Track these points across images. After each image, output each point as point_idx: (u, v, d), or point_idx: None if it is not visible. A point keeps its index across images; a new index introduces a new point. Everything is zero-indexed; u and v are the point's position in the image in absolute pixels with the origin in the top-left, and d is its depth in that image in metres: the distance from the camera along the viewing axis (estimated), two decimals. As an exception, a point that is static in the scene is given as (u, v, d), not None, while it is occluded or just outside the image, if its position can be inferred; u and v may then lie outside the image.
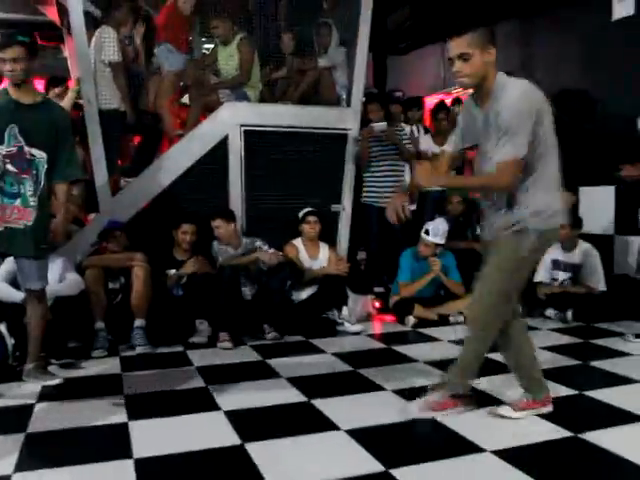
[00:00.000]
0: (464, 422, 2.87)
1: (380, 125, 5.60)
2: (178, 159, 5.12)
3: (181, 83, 5.54)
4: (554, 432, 2.77)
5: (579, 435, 2.73)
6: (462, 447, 2.61)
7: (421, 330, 4.94)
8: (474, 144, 3.03)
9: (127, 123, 5.12)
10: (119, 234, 4.60)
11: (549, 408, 3.00)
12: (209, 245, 4.95)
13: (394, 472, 2.36)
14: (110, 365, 3.98)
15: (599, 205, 5.86)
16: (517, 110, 2.66)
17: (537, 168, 2.77)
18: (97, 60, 4.94)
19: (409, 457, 2.50)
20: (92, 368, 3.91)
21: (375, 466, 2.42)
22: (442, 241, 5.22)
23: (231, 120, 5.23)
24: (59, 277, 4.09)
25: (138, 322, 4.34)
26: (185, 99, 5.72)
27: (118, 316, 4.41)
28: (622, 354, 4.10)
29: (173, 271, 4.66)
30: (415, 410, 2.98)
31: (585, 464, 2.51)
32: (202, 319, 4.58)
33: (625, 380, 3.54)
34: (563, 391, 3.35)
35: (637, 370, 3.70)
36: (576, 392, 3.34)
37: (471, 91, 2.94)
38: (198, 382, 3.60)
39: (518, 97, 2.68)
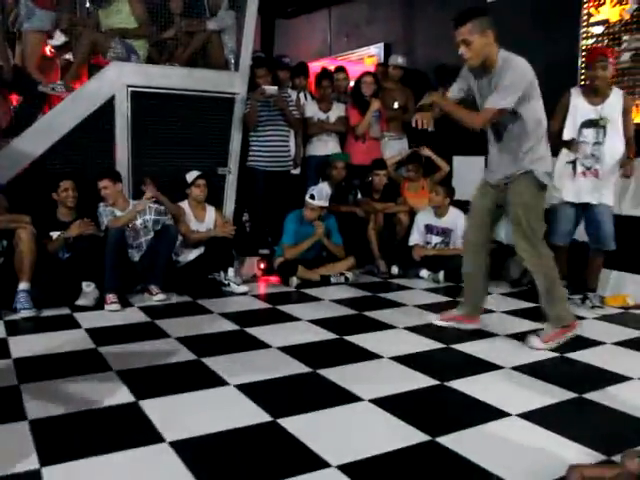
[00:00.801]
0: (346, 375, 3.14)
1: (271, 88, 5.69)
2: (62, 119, 5.00)
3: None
4: (424, 380, 3.10)
5: (445, 383, 3.07)
6: (343, 397, 2.87)
7: (304, 290, 5.18)
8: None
9: (4, 79, 4.93)
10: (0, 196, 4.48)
11: (478, 325, 3.99)
12: (94, 207, 4.92)
13: (280, 421, 2.58)
14: (-7, 329, 3.93)
15: (470, 174, 6.28)
16: (513, 72, 3.37)
17: (537, 131, 3.53)
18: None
19: (294, 408, 2.73)
20: (-26, 332, 3.84)
21: (264, 417, 2.63)
22: (326, 203, 5.46)
23: (118, 80, 5.15)
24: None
25: (22, 285, 4.25)
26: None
27: (1, 279, 4.32)
28: (485, 311, 4.52)
29: (57, 233, 4.62)
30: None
31: (449, 408, 2.85)
32: (89, 281, 4.58)
33: (485, 334, 3.96)
34: (432, 345, 3.71)
35: (497, 325, 4.14)
36: (444, 345, 3.71)
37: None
38: (87, 344, 3.64)
39: (517, 64, 3.40)
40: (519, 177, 3.58)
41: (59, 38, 5.50)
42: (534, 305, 4.69)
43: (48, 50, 5.59)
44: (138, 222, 4.90)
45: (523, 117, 3.49)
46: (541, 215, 3.65)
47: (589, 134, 4.54)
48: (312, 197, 5.39)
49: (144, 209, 4.89)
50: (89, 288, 4.55)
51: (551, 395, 2.93)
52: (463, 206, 5.95)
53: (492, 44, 3.45)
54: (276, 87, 5.78)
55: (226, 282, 5.11)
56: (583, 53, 5.23)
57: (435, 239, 5.76)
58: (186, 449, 2.33)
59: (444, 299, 4.91)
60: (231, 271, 5.15)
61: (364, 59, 7.92)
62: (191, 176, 5.24)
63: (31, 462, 2.23)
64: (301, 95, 6.46)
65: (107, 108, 5.15)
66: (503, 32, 5.81)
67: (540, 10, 5.52)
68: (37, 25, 5.13)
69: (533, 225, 3.57)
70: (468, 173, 6.32)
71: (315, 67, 7.25)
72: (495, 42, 3.46)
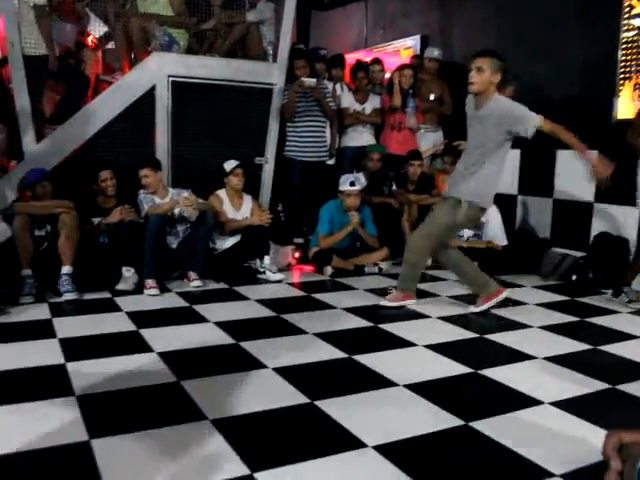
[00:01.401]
0: (380, 361, 3.21)
1: (310, 80, 5.78)
2: (104, 108, 5.14)
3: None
4: (458, 368, 3.14)
5: (478, 371, 3.12)
6: (378, 382, 2.94)
7: (338, 279, 5.25)
8: None
9: (50, 69, 5.07)
10: (45, 183, 4.62)
11: (505, 293, 4.30)
12: (135, 194, 5.04)
13: (318, 403, 2.66)
14: (38, 311, 4.06)
15: (506, 166, 6.27)
16: (512, 107, 3.94)
17: (482, 163, 4.05)
18: (21, 1, 4.85)
19: (331, 391, 2.80)
20: (21, 314, 3.98)
21: (301, 399, 2.71)
22: (360, 185, 5.54)
23: (159, 70, 5.27)
24: (-16, 224, 4.11)
25: (65, 269, 4.39)
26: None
27: (45, 263, 4.46)
28: (519, 303, 4.55)
29: (99, 219, 4.75)
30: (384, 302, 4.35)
31: (482, 394, 2.89)
32: (129, 267, 4.70)
33: (518, 325, 3.99)
34: (467, 334, 3.75)
35: (527, 316, 4.16)
36: (477, 335, 3.75)
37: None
38: (129, 326, 3.77)
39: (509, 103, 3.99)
40: None
41: (101, 29, 5.63)
42: (566, 298, 4.72)
43: (90, 40, 5.72)
44: (176, 210, 5.01)
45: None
46: None
47: None
48: (352, 184, 5.43)
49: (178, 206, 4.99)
50: (129, 273, 4.68)
51: (584, 385, 2.96)
52: (497, 199, 5.96)
53: (494, 85, 3.96)
54: (315, 79, 5.85)
55: (262, 270, 5.20)
56: (624, 46, 5.19)
57: (467, 232, 5.78)
58: (228, 427, 2.42)
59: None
60: (267, 259, 5.23)
61: (400, 51, 7.93)
62: (229, 165, 5.33)
63: (81, 435, 2.34)
64: (337, 86, 6.52)
65: (148, 98, 5.28)
66: (541, 25, 5.86)
67: (581, 1, 5.48)
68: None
69: None
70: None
71: (351, 59, 7.30)
72: (496, 88, 3.98)
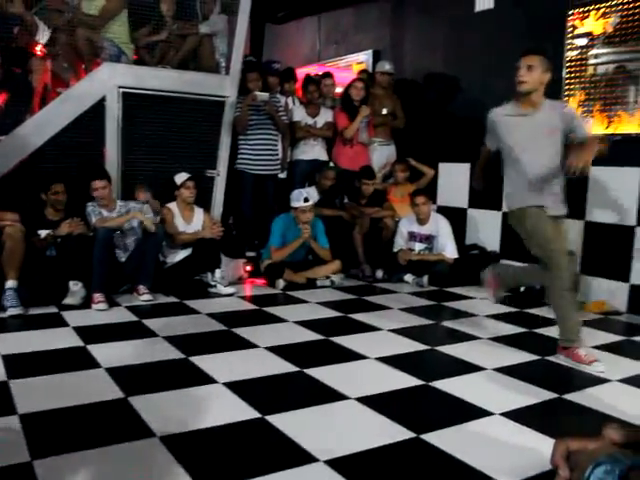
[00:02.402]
0: (332, 374, 3.20)
1: (263, 95, 5.78)
2: (52, 119, 5.03)
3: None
4: (409, 381, 3.16)
5: (429, 383, 3.14)
6: (330, 395, 2.93)
7: (290, 293, 5.23)
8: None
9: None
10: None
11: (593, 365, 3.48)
12: (82, 206, 4.94)
13: (269, 418, 2.63)
14: (-19, 325, 3.94)
15: (455, 180, 6.39)
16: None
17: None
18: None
19: (282, 405, 2.78)
20: (-39, 328, 3.85)
21: (252, 414, 2.68)
22: (312, 201, 5.52)
23: (109, 81, 5.19)
24: None
25: (9, 283, 4.27)
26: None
27: (-13, 277, 4.33)
28: (468, 315, 4.61)
29: (46, 232, 4.64)
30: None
31: (433, 406, 2.91)
32: (76, 280, 4.59)
33: (468, 336, 4.04)
34: (418, 346, 3.77)
35: (479, 329, 4.22)
36: (428, 347, 3.78)
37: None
38: (76, 341, 3.68)
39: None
40: None
41: (44, 34, 5.52)
42: (514, 310, 4.81)
43: (39, 50, 5.61)
44: (126, 225, 4.93)
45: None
46: None
47: None
48: (306, 200, 5.42)
49: (136, 218, 4.92)
50: (76, 287, 4.58)
51: (532, 395, 3.01)
52: (447, 212, 6.08)
53: (544, 85, 3.73)
54: (267, 93, 5.86)
55: (213, 283, 5.15)
56: (568, 64, 5.34)
57: (418, 246, 5.84)
58: (177, 444, 2.37)
59: (428, 303, 4.99)
60: (218, 272, 5.18)
61: (352, 66, 8.00)
62: (180, 178, 5.28)
63: (22, 455, 2.26)
64: (289, 100, 6.54)
65: (98, 109, 5.19)
66: (489, 42, 5.99)
67: (527, 21, 5.63)
68: None
69: None
70: (453, 180, 6.43)
71: (304, 73, 7.33)
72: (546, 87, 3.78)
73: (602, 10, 5.08)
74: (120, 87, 5.23)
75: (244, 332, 3.97)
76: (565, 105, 4.07)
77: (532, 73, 3.66)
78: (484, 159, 4.13)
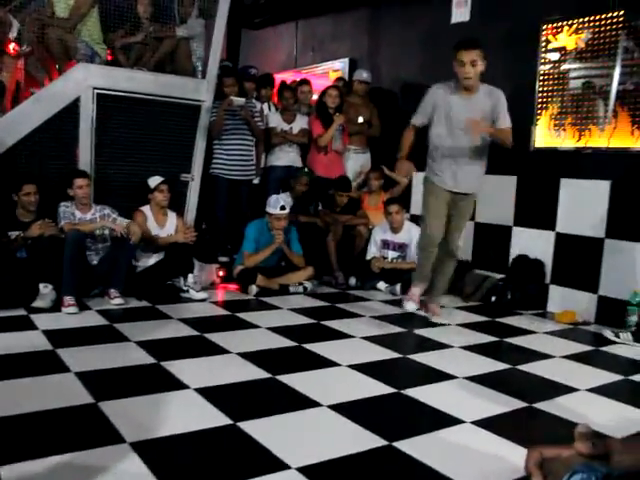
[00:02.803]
0: (304, 381, 3.19)
1: (239, 100, 5.78)
2: (25, 118, 4.95)
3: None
4: (381, 388, 3.17)
5: (401, 391, 3.15)
6: (302, 402, 2.92)
7: (263, 299, 5.21)
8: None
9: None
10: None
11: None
12: (53, 207, 4.87)
13: (240, 425, 2.62)
14: (-54, 327, 3.86)
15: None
16: (504, 99, 4.36)
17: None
18: None
19: (254, 412, 2.76)
20: None
21: (224, 420, 2.66)
22: (288, 208, 5.52)
23: (84, 81, 5.13)
24: None
25: (-23, 284, 4.22)
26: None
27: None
28: (436, 325, 4.63)
29: (16, 233, 4.57)
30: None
31: (405, 414, 2.92)
32: (47, 283, 4.52)
33: (440, 345, 4.06)
34: (388, 354, 3.79)
35: (448, 336, 4.25)
36: (400, 355, 3.79)
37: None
38: (45, 345, 3.62)
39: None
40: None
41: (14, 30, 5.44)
42: (486, 319, 4.85)
43: (12, 48, 5.53)
44: (97, 230, 4.90)
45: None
46: None
47: None
48: (283, 208, 5.41)
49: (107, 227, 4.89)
50: (47, 290, 4.50)
51: (503, 404, 3.04)
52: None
53: (482, 72, 4.29)
54: (244, 99, 5.85)
55: (185, 288, 5.11)
56: (541, 77, 5.42)
57: (392, 254, 5.87)
58: (147, 450, 2.35)
59: (401, 311, 5.01)
60: (191, 277, 5.14)
61: (329, 73, 8.03)
62: (154, 181, 5.23)
63: (-13, 461, 2.22)
64: (265, 106, 6.53)
65: (72, 109, 5.13)
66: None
67: (502, 33, 5.71)
68: None
69: None
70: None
71: (280, 79, 7.34)
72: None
73: (575, 26, 5.18)
74: (95, 88, 5.17)
75: (216, 337, 3.94)
76: (500, 95, 4.35)
77: (476, 67, 4.20)
78: (410, 138, 4.65)
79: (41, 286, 4.50)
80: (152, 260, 5.20)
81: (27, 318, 4.20)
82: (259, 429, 2.58)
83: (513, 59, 5.62)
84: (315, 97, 6.89)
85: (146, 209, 5.28)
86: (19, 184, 4.65)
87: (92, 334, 3.93)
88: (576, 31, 5.18)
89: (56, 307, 4.42)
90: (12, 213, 4.68)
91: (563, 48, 5.28)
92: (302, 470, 2.25)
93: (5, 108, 5.17)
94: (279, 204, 5.41)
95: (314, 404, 2.91)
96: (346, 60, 7.69)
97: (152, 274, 5.13)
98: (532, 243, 5.45)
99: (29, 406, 2.70)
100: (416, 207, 6.45)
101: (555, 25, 5.31)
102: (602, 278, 4.92)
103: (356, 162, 6.80)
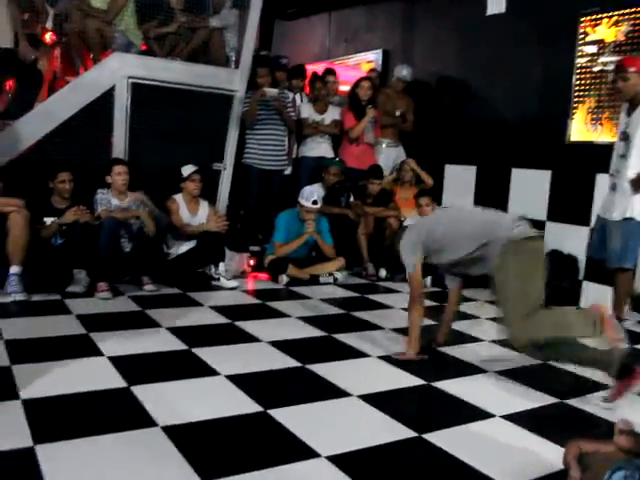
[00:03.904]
0: (334, 371, 3.20)
1: (272, 91, 5.80)
2: (61, 106, 5.03)
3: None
4: (411, 380, 3.16)
5: (431, 383, 3.14)
6: (332, 392, 2.93)
7: (293, 288, 5.23)
8: None
9: (20, 59, 4.98)
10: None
11: None
12: (88, 195, 4.94)
13: (270, 412, 2.63)
14: (-17, 310, 3.94)
15: (461, 182, 6.39)
16: None
17: None
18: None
19: (284, 400, 2.78)
20: (-35, 313, 3.85)
21: (254, 407, 2.68)
22: (321, 202, 5.54)
23: (119, 71, 5.19)
24: None
25: (14, 269, 4.26)
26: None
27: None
28: (470, 317, 4.59)
29: (51, 219, 4.64)
30: None
31: (435, 407, 2.91)
32: (81, 269, 4.59)
33: (471, 338, 4.04)
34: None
35: (481, 331, 4.21)
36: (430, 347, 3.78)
37: None
38: (79, 329, 3.68)
39: None
40: None
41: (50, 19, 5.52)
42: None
43: (48, 37, 5.61)
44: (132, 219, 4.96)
45: None
46: None
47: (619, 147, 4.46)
48: (315, 202, 5.42)
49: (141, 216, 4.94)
50: (81, 275, 4.58)
51: (534, 399, 3.01)
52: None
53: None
54: (276, 90, 5.87)
55: (216, 276, 5.15)
56: (578, 71, 5.33)
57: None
58: (179, 434, 2.37)
59: (431, 304, 4.97)
60: (222, 266, 5.18)
61: (361, 65, 7.99)
62: (187, 170, 5.27)
63: (25, 440, 2.26)
64: (297, 96, 6.53)
65: (107, 98, 5.19)
66: (499, 46, 5.99)
67: (539, 25, 5.63)
68: None
69: None
70: (459, 181, 6.44)
71: (312, 70, 7.32)
72: None
73: (614, 18, 5.08)
74: (130, 77, 5.22)
75: (246, 326, 3.97)
76: None
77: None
78: None
79: (75, 271, 4.57)
80: (184, 248, 5.24)
81: (61, 303, 4.27)
82: (289, 417, 2.60)
83: (549, 52, 5.53)
84: (345, 88, 6.86)
85: (179, 197, 5.32)
86: (54, 171, 4.72)
87: (124, 319, 3.99)
88: (615, 23, 5.08)
89: (90, 292, 4.49)
90: (47, 200, 4.75)
91: (601, 41, 5.19)
92: (331, 459, 2.26)
93: (42, 96, 5.25)
94: (312, 198, 5.42)
95: (344, 394, 2.91)
96: (379, 52, 7.65)
97: (184, 262, 5.18)
98: (566, 238, 5.37)
99: (63, 388, 2.76)
100: (447, 200, 6.41)
101: (593, 17, 5.22)
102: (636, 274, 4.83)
103: (389, 157, 6.76)
